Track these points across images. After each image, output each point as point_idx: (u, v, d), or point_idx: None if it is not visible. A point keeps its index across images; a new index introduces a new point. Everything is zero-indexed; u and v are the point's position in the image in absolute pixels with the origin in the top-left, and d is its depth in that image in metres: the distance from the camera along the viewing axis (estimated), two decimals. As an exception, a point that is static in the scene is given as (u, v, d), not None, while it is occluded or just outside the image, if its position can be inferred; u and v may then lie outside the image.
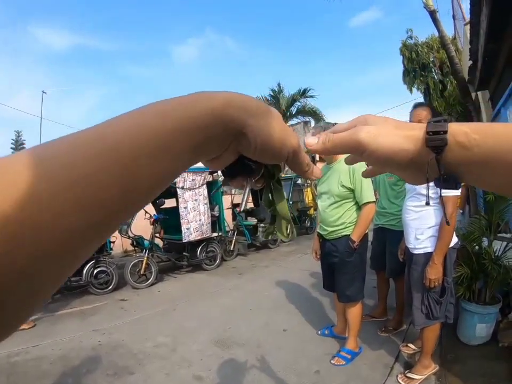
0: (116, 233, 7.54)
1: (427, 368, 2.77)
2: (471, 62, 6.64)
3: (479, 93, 7.55)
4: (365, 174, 0.59)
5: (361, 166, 2.97)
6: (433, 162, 0.43)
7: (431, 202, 2.50)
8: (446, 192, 2.32)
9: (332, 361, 3.10)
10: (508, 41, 4.54)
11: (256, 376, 3.01)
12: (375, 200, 3.04)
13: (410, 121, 2.43)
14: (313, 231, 11.94)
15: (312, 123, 16.68)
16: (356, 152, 0.46)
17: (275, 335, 3.75)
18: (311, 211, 12.41)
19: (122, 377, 3.13)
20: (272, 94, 16.36)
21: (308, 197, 13.85)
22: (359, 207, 3.05)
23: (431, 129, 0.42)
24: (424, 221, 2.59)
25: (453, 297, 2.65)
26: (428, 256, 2.53)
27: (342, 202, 3.06)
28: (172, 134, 0.31)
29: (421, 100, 14.74)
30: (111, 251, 6.24)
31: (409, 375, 2.76)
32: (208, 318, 4.37)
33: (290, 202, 11.17)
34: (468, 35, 6.55)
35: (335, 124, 3.07)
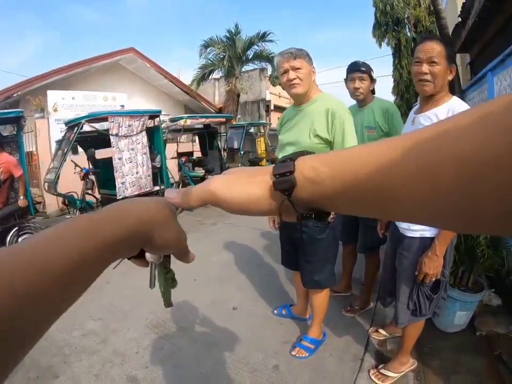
0: (44, 193, 6.74)
1: (404, 365, 2.34)
2: (459, 19, 6.21)
3: (457, 55, 7.10)
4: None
5: (344, 108, 2.26)
6: (288, 203, 0.43)
7: None
8: None
9: (293, 353, 2.60)
10: (508, 6, 4.06)
11: (202, 375, 2.47)
12: None
13: (415, 57, 1.72)
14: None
15: (269, 70, 15.77)
16: (211, 202, 0.48)
17: (223, 317, 3.19)
18: (263, 162, 12.00)
19: (45, 382, 2.50)
20: (228, 35, 15.11)
21: (261, 147, 13.45)
22: None
23: (277, 172, 0.43)
24: None
25: (446, 291, 2.13)
26: (425, 242, 1.96)
27: None
28: (96, 249, 0.38)
29: (389, 56, 14.42)
30: (35, 215, 5.37)
31: (383, 371, 2.32)
32: (146, 293, 3.69)
33: (241, 152, 10.64)
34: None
35: (307, 52, 2.31)
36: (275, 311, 3.19)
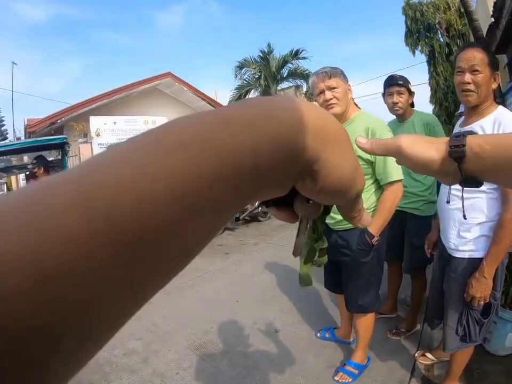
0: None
1: None
2: (491, 20, 5.97)
3: None
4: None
5: (383, 127, 2.20)
6: (456, 169, 0.56)
7: (486, 186, 1.79)
8: None
9: (336, 378, 2.51)
10: None
11: (242, 400, 2.44)
12: (402, 178, 2.21)
13: (457, 67, 1.66)
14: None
15: (305, 87, 15.81)
16: (395, 154, 0.61)
17: (265, 339, 3.14)
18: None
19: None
20: (261, 55, 15.30)
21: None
22: (380, 186, 2.27)
23: (453, 144, 0.57)
24: (474, 213, 1.83)
25: (497, 315, 1.99)
26: (474, 263, 1.84)
27: None
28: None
29: (424, 63, 14.09)
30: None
31: (430, 398, 2.20)
32: (188, 314, 3.75)
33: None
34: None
35: (341, 70, 2.28)
36: (318, 334, 3.11)
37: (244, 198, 0.25)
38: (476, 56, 1.75)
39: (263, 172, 0.24)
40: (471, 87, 1.77)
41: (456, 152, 0.55)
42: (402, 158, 0.60)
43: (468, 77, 1.77)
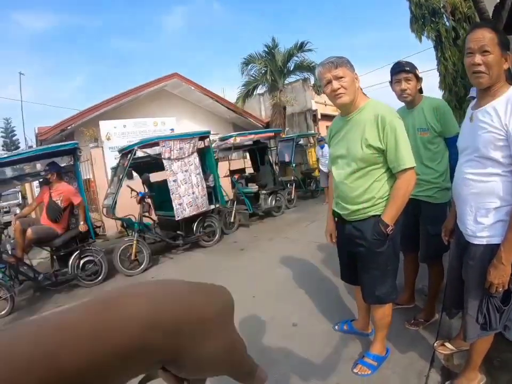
0: (103, 217, 7.03)
1: (472, 381, 2.15)
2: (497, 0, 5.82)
3: None
4: None
5: (393, 114, 2.16)
6: None
7: (501, 169, 1.73)
8: None
9: (355, 370, 2.49)
10: None
11: (263, 396, 2.44)
12: (415, 165, 2.17)
13: (466, 48, 1.62)
14: (319, 194, 11.63)
15: (312, 80, 15.67)
16: None
17: (283, 333, 3.14)
18: (316, 172, 11.91)
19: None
20: (266, 50, 15.19)
21: (312, 158, 13.33)
22: (393, 175, 2.22)
23: None
24: (490, 198, 1.78)
25: None
26: (492, 249, 1.78)
27: (368, 169, 2.21)
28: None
29: (431, 49, 13.89)
30: (95, 239, 5.58)
31: (450, 388, 2.17)
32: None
33: (293, 165, 10.59)
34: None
35: (347, 59, 2.24)
36: (336, 327, 3.10)
37: None
38: (485, 36, 1.71)
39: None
40: (482, 68, 1.72)
41: None
42: None
43: (478, 58, 1.72)
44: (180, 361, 0.29)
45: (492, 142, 1.71)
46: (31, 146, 13.98)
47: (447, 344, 2.60)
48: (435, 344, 2.66)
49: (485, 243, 1.83)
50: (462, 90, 12.18)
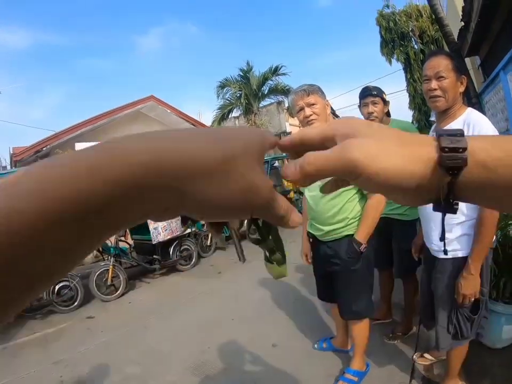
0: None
1: None
2: (461, 24, 6.16)
3: (467, 59, 7.04)
4: (327, 190, 0.46)
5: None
6: (444, 184, 0.35)
7: None
8: None
9: (336, 387, 2.53)
10: (508, 1, 4.03)
11: (244, 417, 2.43)
12: None
13: (424, 75, 1.73)
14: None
15: (286, 103, 15.96)
16: (348, 176, 0.35)
17: (263, 354, 3.14)
18: (291, 194, 11.99)
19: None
20: (241, 74, 15.45)
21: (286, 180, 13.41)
22: (364, 195, 2.34)
23: (446, 145, 0.34)
24: (453, 215, 1.91)
25: (487, 310, 2.03)
26: (458, 262, 1.88)
27: (340, 191, 2.24)
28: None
29: (401, 71, 14.41)
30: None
31: (431, 398, 2.22)
32: (184, 336, 3.74)
33: (269, 187, 10.63)
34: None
35: (319, 87, 2.34)
36: (315, 345, 3.12)
37: (91, 237, 0.25)
38: (440, 63, 1.83)
39: (110, 214, 0.25)
40: (438, 92, 1.84)
41: (454, 160, 0.33)
42: (362, 180, 0.35)
43: (434, 83, 1.85)
44: (187, 206, 0.29)
45: None
46: (5, 167, 13.68)
47: (426, 355, 2.64)
48: (414, 356, 2.70)
49: (450, 257, 1.91)
50: (430, 110, 12.62)
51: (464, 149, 0.34)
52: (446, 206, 0.37)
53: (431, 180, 0.35)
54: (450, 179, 0.34)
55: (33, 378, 3.32)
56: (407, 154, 0.35)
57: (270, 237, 0.47)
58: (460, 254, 1.88)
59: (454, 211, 0.37)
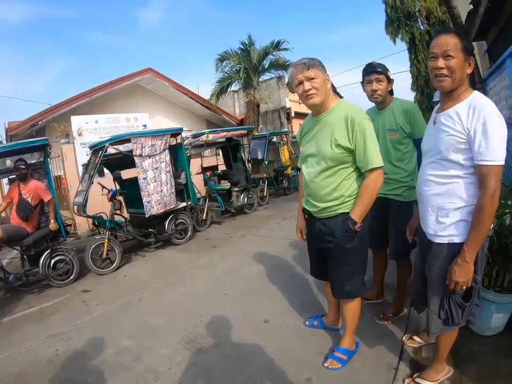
0: (74, 215, 6.91)
1: (440, 373, 2.23)
2: (470, 7, 6.00)
3: (473, 43, 6.89)
4: None
5: (362, 115, 2.21)
6: None
7: (462, 171, 1.80)
8: (486, 160, 1.65)
9: (325, 364, 2.55)
10: None
11: (235, 390, 2.47)
12: (382, 164, 2.23)
13: (430, 52, 1.67)
14: (291, 191, 11.72)
15: (286, 78, 15.71)
16: None
17: (255, 329, 3.19)
18: (288, 170, 12.02)
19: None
20: (242, 47, 15.12)
21: (284, 156, 13.41)
22: (361, 173, 2.29)
23: None
24: (451, 198, 1.85)
25: (479, 298, 2.02)
26: (454, 248, 1.85)
27: (337, 168, 2.27)
28: None
29: (405, 51, 14.20)
30: (66, 237, 5.45)
31: (418, 380, 2.24)
32: (177, 310, 3.78)
33: (266, 162, 10.65)
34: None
35: (319, 61, 2.28)
36: (307, 322, 3.16)
37: None
38: (449, 42, 1.75)
39: None
40: (445, 71, 1.77)
41: None
42: None
43: (441, 62, 1.77)
44: None
45: (453, 145, 1.77)
46: (0, 142, 13.55)
47: (416, 338, 2.69)
48: (404, 338, 2.75)
49: (446, 242, 1.90)
50: (433, 92, 12.49)
51: None
52: None
53: None
54: None
55: (30, 352, 3.34)
56: None
57: None
58: (456, 239, 1.86)
59: None
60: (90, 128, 9.87)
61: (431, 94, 12.74)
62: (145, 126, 10.72)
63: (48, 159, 5.48)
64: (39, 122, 10.14)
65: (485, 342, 2.62)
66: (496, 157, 1.64)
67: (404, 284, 3.07)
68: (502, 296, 2.54)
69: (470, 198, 1.80)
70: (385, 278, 3.38)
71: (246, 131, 9.92)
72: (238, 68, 15.02)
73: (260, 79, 15.83)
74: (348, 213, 2.29)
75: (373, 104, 3.01)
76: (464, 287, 1.84)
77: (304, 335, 3.00)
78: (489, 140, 1.64)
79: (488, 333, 2.67)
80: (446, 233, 1.89)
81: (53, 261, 5.04)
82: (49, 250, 5.03)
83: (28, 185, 5.06)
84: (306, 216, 2.63)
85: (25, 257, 5.18)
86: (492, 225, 1.87)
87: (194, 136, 8.62)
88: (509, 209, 2.70)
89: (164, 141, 6.39)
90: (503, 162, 1.66)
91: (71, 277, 5.20)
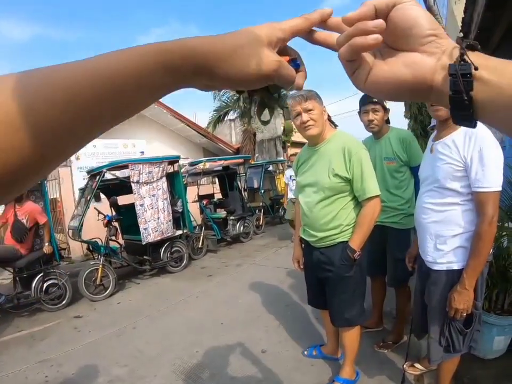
0: (68, 239, 6.84)
1: None
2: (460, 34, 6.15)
3: None
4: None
5: (359, 145, 2.26)
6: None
7: (459, 199, 1.83)
8: (483, 187, 1.68)
9: (325, 395, 2.50)
10: (508, 10, 4.01)
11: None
12: (379, 193, 2.27)
13: None
14: (287, 220, 11.61)
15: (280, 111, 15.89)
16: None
17: (252, 360, 3.11)
18: (285, 199, 11.97)
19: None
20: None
21: (280, 184, 13.40)
22: (359, 202, 2.32)
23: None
24: (449, 226, 1.88)
25: (480, 324, 2.01)
26: (453, 275, 1.86)
27: (335, 197, 2.30)
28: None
29: None
30: (60, 261, 5.37)
31: (421, 409, 2.19)
32: (172, 339, 3.70)
33: (262, 191, 10.65)
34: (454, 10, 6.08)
35: (316, 93, 2.32)
36: (305, 352, 3.10)
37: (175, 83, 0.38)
38: None
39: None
40: None
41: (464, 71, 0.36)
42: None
43: None
44: (217, 83, 0.42)
45: (450, 173, 1.80)
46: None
47: (417, 365, 2.63)
48: (404, 366, 2.69)
49: (445, 269, 1.91)
50: (426, 119, 12.62)
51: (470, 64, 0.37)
52: (465, 116, 0.39)
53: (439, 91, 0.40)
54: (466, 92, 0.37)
55: (18, 377, 3.25)
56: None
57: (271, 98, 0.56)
58: (455, 266, 1.86)
59: (471, 124, 0.40)
60: (88, 153, 9.91)
61: (424, 121, 12.88)
62: (142, 152, 10.78)
63: (45, 182, 5.47)
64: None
65: (488, 366, 2.59)
66: (493, 184, 1.67)
67: (403, 311, 3.05)
68: (503, 319, 2.54)
69: (467, 224, 1.82)
70: (384, 305, 3.35)
71: (243, 160, 9.97)
72: (236, 97, 15.21)
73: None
74: (347, 241, 2.30)
75: (370, 134, 3.06)
76: (465, 314, 1.83)
77: (303, 365, 2.94)
78: (485, 167, 1.67)
79: (490, 356, 2.65)
80: (445, 260, 1.89)
81: (45, 285, 4.95)
82: (42, 274, 4.95)
83: (24, 206, 5.02)
84: (303, 245, 2.64)
85: (17, 279, 5.08)
86: (491, 250, 1.87)
87: (192, 164, 8.65)
88: (506, 231, 2.72)
89: (161, 168, 6.40)
90: (500, 188, 1.69)
91: (63, 302, 5.10)
